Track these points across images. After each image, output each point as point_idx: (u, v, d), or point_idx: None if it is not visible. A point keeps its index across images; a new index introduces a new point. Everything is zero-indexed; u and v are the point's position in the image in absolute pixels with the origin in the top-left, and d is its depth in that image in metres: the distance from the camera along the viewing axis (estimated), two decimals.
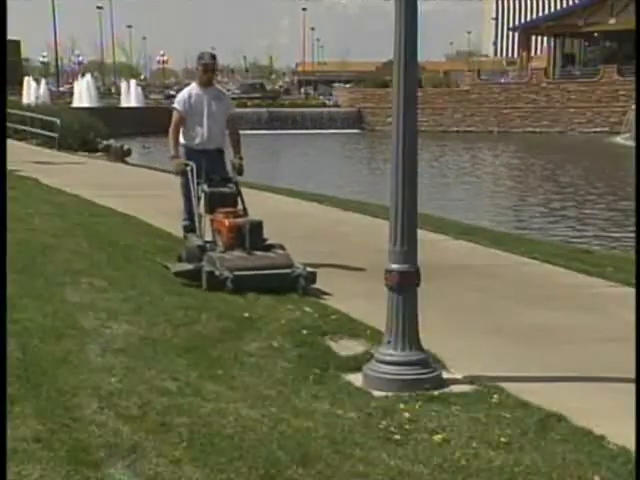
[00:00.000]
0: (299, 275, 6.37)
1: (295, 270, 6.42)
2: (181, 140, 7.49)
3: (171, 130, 7.42)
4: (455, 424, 3.92)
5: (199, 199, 7.16)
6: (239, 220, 6.76)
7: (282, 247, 6.78)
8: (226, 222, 6.72)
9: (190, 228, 7.39)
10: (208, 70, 7.40)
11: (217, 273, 6.33)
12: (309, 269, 6.50)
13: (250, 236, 6.60)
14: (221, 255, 6.54)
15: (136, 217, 10.51)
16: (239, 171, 7.42)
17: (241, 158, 7.44)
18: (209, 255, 6.58)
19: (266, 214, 11.20)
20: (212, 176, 7.19)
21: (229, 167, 7.49)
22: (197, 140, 7.43)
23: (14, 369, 4.21)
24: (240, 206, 7.08)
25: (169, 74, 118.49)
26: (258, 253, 6.61)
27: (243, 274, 6.31)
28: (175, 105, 7.49)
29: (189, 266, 6.63)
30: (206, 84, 7.43)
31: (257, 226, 6.72)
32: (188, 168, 7.21)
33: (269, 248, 6.74)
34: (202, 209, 7.12)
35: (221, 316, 5.66)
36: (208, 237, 7.07)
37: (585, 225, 16.67)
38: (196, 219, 7.16)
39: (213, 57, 7.49)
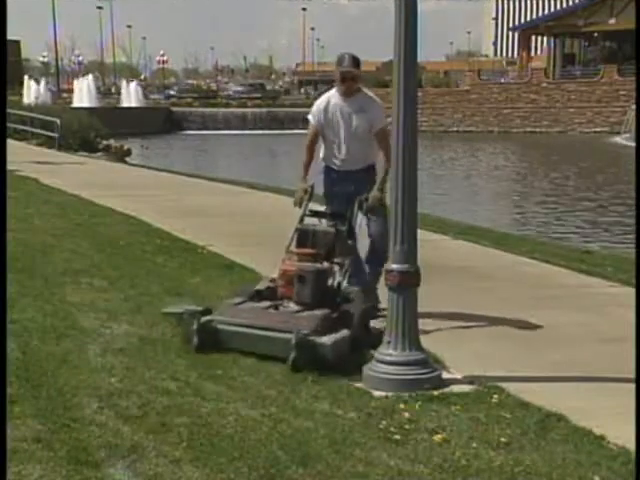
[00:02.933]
0: (293, 343, 4.66)
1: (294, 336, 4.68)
2: (321, 155, 6.09)
3: (306, 146, 5.96)
4: (455, 424, 3.92)
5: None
6: (293, 265, 5.27)
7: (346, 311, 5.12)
8: (281, 265, 5.35)
9: None
10: (347, 79, 5.74)
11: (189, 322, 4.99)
12: (325, 339, 4.74)
13: (298, 287, 5.13)
14: (229, 302, 5.24)
15: (136, 217, 10.51)
16: (367, 209, 5.71)
17: (380, 190, 5.66)
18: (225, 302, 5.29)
19: (266, 214, 11.23)
20: (321, 209, 5.87)
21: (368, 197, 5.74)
22: (335, 160, 5.98)
23: (14, 369, 4.21)
24: (338, 253, 5.51)
25: (169, 74, 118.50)
26: (269, 310, 5.13)
27: (217, 328, 4.95)
28: (309, 117, 5.98)
29: (178, 308, 5.31)
30: (346, 94, 5.80)
31: (313, 276, 5.17)
32: (305, 197, 5.79)
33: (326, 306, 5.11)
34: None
35: None
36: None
37: (586, 225, 16.66)
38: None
39: (356, 62, 5.79)
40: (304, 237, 5.59)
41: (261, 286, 5.42)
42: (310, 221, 5.73)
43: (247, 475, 3.27)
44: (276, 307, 5.15)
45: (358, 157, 5.89)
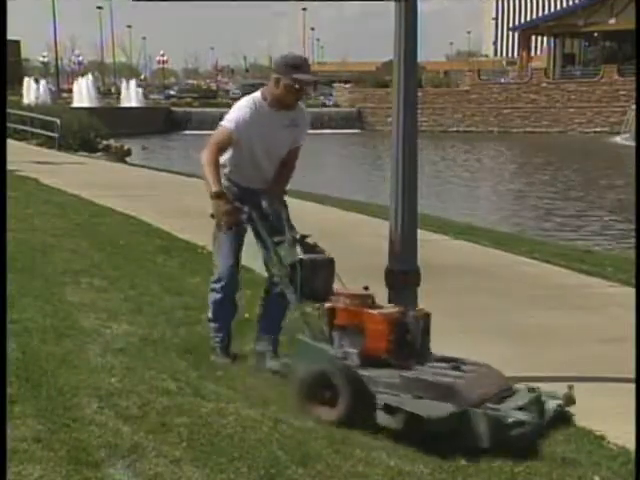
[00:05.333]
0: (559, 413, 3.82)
1: (549, 401, 3.85)
2: (223, 171, 4.74)
3: (208, 156, 4.53)
4: None
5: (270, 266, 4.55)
6: (398, 311, 4.09)
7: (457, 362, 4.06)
8: (377, 315, 4.01)
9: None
10: (302, 90, 4.59)
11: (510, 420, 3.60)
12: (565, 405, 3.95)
13: (424, 340, 4.10)
14: (443, 380, 3.77)
15: (136, 217, 10.52)
16: (289, 222, 4.65)
17: (284, 192, 4.83)
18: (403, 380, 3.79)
19: None
20: (289, 230, 4.55)
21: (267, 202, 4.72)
22: (243, 176, 4.78)
23: (14, 369, 4.20)
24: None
25: (169, 74, 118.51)
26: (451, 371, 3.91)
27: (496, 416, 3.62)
28: (226, 123, 4.60)
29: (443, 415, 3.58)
30: (290, 106, 4.63)
31: (429, 321, 4.18)
32: (244, 216, 4.54)
33: (447, 359, 4.09)
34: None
35: None
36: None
37: (585, 225, 16.66)
38: (294, 300, 4.32)
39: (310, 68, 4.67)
40: (316, 273, 4.36)
41: (333, 350, 4.11)
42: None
43: (247, 475, 3.27)
44: (458, 369, 3.93)
45: (268, 176, 4.81)
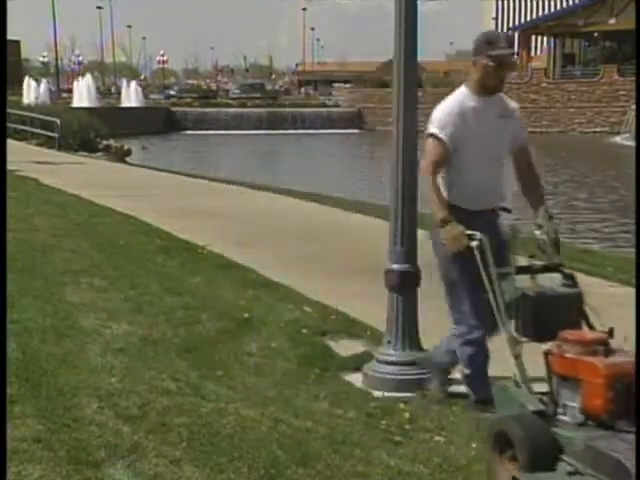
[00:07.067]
0: None
1: None
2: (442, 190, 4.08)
3: (430, 174, 3.99)
4: (455, 424, 3.92)
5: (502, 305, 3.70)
6: (629, 362, 3.20)
7: None
8: (599, 365, 3.17)
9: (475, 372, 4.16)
10: (505, 68, 4.01)
11: None
12: None
13: None
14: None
15: (136, 217, 10.51)
16: (556, 245, 3.98)
17: (551, 217, 4.05)
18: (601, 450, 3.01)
19: (266, 213, 11.18)
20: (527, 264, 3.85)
21: (539, 238, 3.98)
22: (469, 193, 4.09)
23: (14, 369, 4.21)
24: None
25: (169, 74, 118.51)
26: None
27: None
28: (435, 129, 4.00)
29: None
30: (495, 90, 4.10)
31: None
32: (474, 244, 3.80)
33: None
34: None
35: (221, 316, 5.66)
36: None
37: (585, 225, 16.65)
38: (512, 345, 3.71)
39: (511, 44, 4.20)
40: (553, 312, 3.67)
41: (537, 405, 3.44)
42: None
43: (247, 475, 3.27)
44: None
45: (494, 189, 4.22)
